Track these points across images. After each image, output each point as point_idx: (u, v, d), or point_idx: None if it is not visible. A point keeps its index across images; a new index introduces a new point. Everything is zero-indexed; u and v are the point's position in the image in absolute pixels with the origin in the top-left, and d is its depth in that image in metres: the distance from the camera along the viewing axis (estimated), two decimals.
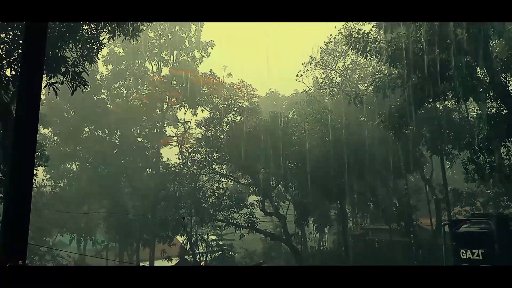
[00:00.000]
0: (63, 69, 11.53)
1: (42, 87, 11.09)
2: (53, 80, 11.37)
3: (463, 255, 10.35)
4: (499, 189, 23.74)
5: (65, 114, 35.64)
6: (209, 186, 34.54)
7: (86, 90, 12.56)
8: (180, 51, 39.26)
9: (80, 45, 12.27)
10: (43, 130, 34.27)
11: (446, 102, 23.96)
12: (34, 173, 19.43)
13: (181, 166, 34.58)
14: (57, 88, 11.35)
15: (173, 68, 37.71)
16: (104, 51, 34.97)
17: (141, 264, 34.09)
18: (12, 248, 3.34)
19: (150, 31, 37.19)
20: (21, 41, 11.24)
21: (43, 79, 10.97)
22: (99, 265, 32.55)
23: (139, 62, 38.80)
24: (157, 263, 34.28)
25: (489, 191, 25.26)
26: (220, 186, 34.28)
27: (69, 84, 11.46)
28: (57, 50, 11.55)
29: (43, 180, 35.33)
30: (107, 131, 36.09)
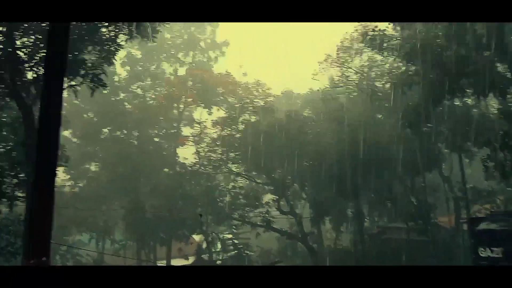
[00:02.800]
0: (82, 72, 11.77)
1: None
2: (73, 82, 11.63)
3: (482, 253, 10.20)
4: None
5: (85, 116, 36.30)
6: (224, 185, 34.72)
7: (105, 92, 12.80)
8: (196, 52, 39.59)
9: (98, 48, 12.50)
10: (64, 132, 34.98)
11: (465, 99, 23.56)
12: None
13: (197, 166, 34.84)
14: (76, 90, 11.60)
15: (189, 69, 38.06)
16: (122, 53, 35.54)
17: (158, 263, 34.52)
18: (36, 245, 3.45)
19: (166, 33, 37.59)
20: (42, 44, 11.51)
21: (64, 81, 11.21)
22: (114, 265, 33.13)
23: (156, 63, 39.25)
24: (174, 261, 34.64)
25: (510, 189, 24.71)
26: (236, 185, 34.43)
27: (89, 86, 11.69)
28: (76, 53, 11.79)
29: (63, 180, 36.02)
30: (125, 132, 36.61)
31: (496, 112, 21.05)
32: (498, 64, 17.22)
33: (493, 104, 24.04)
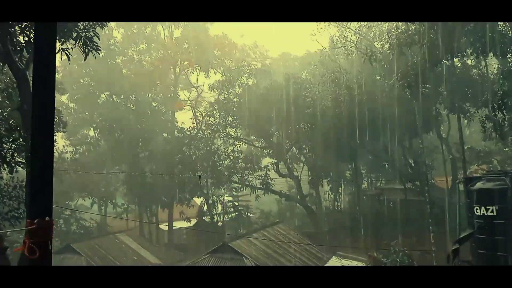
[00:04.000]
0: (74, 34, 11.50)
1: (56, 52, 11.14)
2: (65, 46, 11.39)
3: (477, 212, 10.38)
4: None
5: (81, 81, 35.86)
6: (224, 149, 34.90)
7: (99, 55, 12.54)
8: None
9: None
10: (60, 97, 34.65)
11: (465, 59, 23.25)
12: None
13: (196, 130, 34.87)
14: (69, 54, 11.38)
15: (185, 31, 37.23)
16: None
17: (160, 225, 35.25)
18: (39, 208, 3.49)
19: None
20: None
21: (56, 44, 10.99)
22: (117, 230, 33.73)
23: (151, 25, 38.27)
24: (176, 223, 35.38)
25: (507, 149, 24.91)
26: (235, 149, 34.61)
27: (81, 49, 11.46)
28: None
29: (63, 146, 36.19)
30: (122, 97, 36.30)
31: (496, 72, 20.86)
32: (499, 23, 16.86)
33: (492, 64, 23.77)
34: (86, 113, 36.69)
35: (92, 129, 37.86)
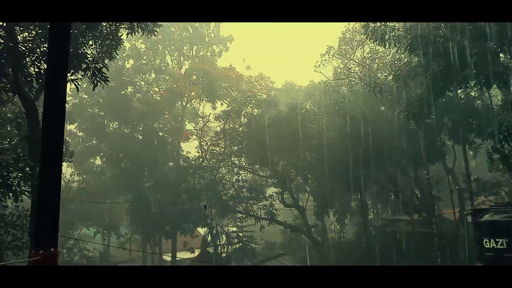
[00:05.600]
0: (83, 66, 11.79)
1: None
2: (74, 76, 11.66)
3: (487, 245, 10.19)
4: None
5: (90, 110, 36.42)
6: (228, 179, 34.83)
7: (107, 86, 12.82)
8: (200, 46, 39.57)
9: (99, 42, 12.51)
10: (69, 126, 35.14)
11: (468, 90, 23.42)
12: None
13: (201, 159, 34.96)
14: (78, 84, 11.63)
15: (193, 63, 38.04)
16: (126, 46, 35.55)
17: (164, 256, 34.77)
18: (44, 238, 3.50)
19: (171, 26, 37.54)
20: (42, 39, 11.55)
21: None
22: (120, 258, 33.36)
23: (160, 57, 39.24)
24: (180, 254, 34.87)
25: None
26: (239, 178, 34.53)
27: (90, 80, 11.73)
28: (78, 47, 11.82)
29: (71, 175, 36.34)
30: (129, 126, 36.71)
31: (499, 103, 20.93)
32: (501, 55, 17.09)
33: (496, 95, 23.92)
34: (94, 141, 37.08)
35: (98, 158, 38.10)
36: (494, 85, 18.39)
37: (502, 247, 9.89)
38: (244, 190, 34.11)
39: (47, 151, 3.73)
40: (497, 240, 9.94)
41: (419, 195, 27.78)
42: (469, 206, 23.69)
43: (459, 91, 22.07)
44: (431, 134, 23.60)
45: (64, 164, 25.03)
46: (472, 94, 24.08)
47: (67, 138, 30.77)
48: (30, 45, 11.89)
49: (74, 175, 36.57)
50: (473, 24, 15.53)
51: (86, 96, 35.38)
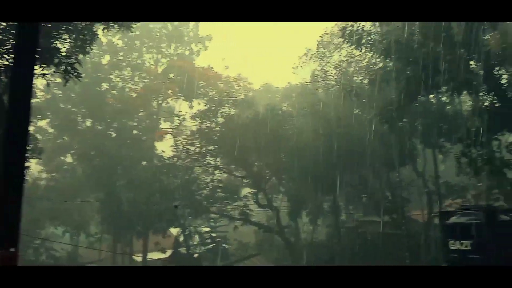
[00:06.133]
0: (56, 60, 11.44)
1: (35, 78, 11.02)
2: (45, 71, 11.30)
3: (452, 246, 10.51)
4: (491, 182, 24.00)
5: (62, 106, 35.43)
6: (203, 179, 34.57)
7: (82, 82, 12.50)
8: (179, 44, 39.13)
9: (73, 36, 12.18)
10: (40, 122, 34.11)
11: (440, 96, 24.05)
12: (28, 165, 19.27)
13: (175, 159, 34.56)
14: (49, 79, 11.29)
15: (171, 60, 37.59)
16: (103, 41, 34.76)
17: (134, 256, 34.22)
18: (4, 237, 3.36)
19: (150, 23, 36.89)
20: (13, 31, 11.15)
21: (37, 70, 10.91)
22: (89, 259, 32.62)
23: (137, 53, 38.57)
24: (151, 255, 34.39)
25: (480, 184, 25.51)
26: (214, 178, 34.34)
27: (62, 75, 11.40)
28: (50, 41, 11.46)
29: (38, 172, 35.31)
30: (103, 124, 35.92)
31: (469, 109, 21.61)
32: (472, 62, 17.64)
33: (466, 101, 24.67)
34: (66, 138, 36.12)
35: (69, 155, 37.14)
36: (464, 92, 18.96)
37: (467, 248, 10.21)
38: (218, 190, 33.95)
39: (10, 146, 3.59)
40: (462, 242, 10.25)
41: (390, 197, 28.37)
42: (437, 209, 24.38)
43: (431, 96, 22.65)
44: (403, 138, 24.13)
45: (33, 161, 24.30)
46: (443, 99, 24.76)
47: (37, 134, 29.89)
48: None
49: (43, 172, 35.51)
50: (447, 31, 15.97)
51: (59, 92, 34.40)
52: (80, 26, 12.22)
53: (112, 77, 36.75)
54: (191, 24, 38.86)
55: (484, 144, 16.93)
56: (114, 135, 35.61)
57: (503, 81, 17.22)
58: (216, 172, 34.71)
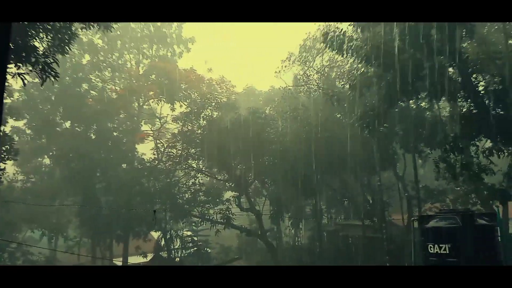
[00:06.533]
0: (33, 59, 11.16)
1: (10, 77, 10.74)
2: (21, 71, 11.01)
3: (431, 250, 10.65)
4: (468, 186, 24.50)
5: (40, 107, 34.62)
6: (184, 182, 34.27)
7: (61, 82, 12.23)
8: (161, 46, 38.76)
9: (51, 35, 11.91)
10: (16, 123, 33.27)
11: (419, 102, 24.46)
12: (3, 167, 18.74)
13: (156, 162, 34.17)
14: (25, 79, 11.00)
15: (153, 62, 37.19)
16: (84, 40, 34.14)
17: (114, 260, 33.63)
18: None
19: (131, 23, 36.44)
20: None
21: (12, 69, 10.63)
22: (68, 263, 31.95)
23: (118, 53, 37.97)
24: (131, 259, 33.85)
25: (458, 189, 26.02)
26: (196, 181, 34.08)
27: (39, 75, 11.12)
28: (27, 39, 11.18)
29: (14, 174, 34.44)
30: (82, 125, 35.22)
31: (447, 115, 22.03)
32: (450, 69, 18.01)
33: (445, 107, 25.17)
34: (43, 140, 35.27)
35: (47, 157, 36.30)
36: (443, 98, 19.33)
37: (445, 252, 10.36)
38: (200, 193, 33.72)
39: None
40: (440, 245, 10.41)
41: (370, 201, 28.67)
42: (417, 212, 24.74)
43: (411, 102, 23.02)
44: (384, 143, 24.43)
45: (9, 162, 23.69)
46: (423, 105, 25.18)
47: (13, 135, 29.17)
48: None
49: (19, 174, 34.64)
50: (427, 39, 16.26)
51: (37, 93, 33.63)
52: (59, 24, 11.96)
53: (92, 77, 36.07)
54: (174, 25, 38.58)
55: (462, 149, 17.28)
56: (93, 137, 34.98)
57: (480, 88, 17.64)
58: (198, 175, 34.48)
